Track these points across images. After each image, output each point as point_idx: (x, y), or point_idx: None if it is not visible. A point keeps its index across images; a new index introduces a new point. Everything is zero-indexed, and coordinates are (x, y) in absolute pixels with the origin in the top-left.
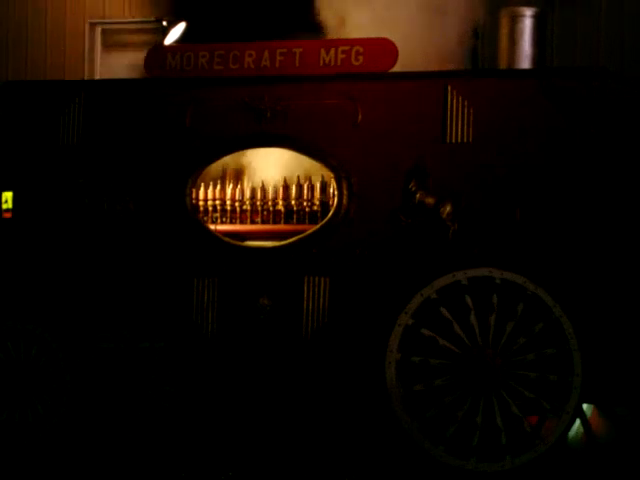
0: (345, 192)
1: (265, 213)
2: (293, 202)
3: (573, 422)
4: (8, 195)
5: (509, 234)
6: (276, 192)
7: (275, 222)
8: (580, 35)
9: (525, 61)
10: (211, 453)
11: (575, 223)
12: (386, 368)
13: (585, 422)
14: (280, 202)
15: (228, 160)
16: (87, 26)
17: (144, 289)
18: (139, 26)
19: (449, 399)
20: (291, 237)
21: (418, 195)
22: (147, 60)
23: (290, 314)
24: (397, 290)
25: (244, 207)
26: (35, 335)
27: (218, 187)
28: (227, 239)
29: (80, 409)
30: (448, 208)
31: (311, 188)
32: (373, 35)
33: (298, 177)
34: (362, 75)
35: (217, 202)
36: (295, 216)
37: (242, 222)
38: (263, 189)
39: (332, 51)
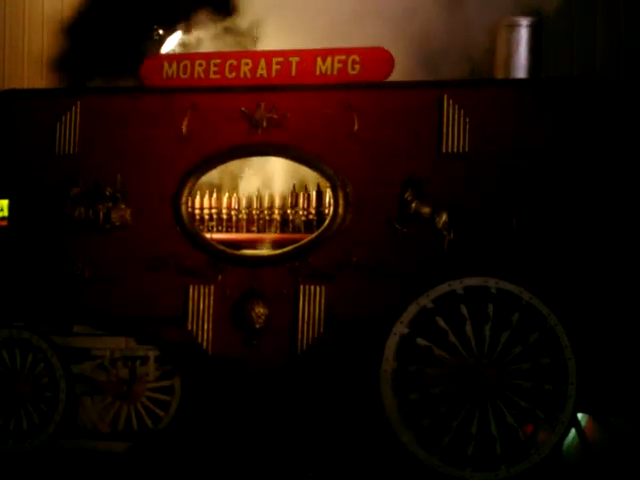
0: (341, 201)
1: (261, 222)
2: (289, 211)
3: (568, 431)
4: (3, 203)
5: (505, 243)
6: (272, 201)
7: (271, 231)
8: (576, 43)
9: (521, 71)
10: (203, 462)
11: (571, 233)
12: (381, 377)
13: (580, 431)
14: (276, 211)
15: (224, 169)
16: None
17: (139, 297)
18: None
19: (444, 408)
20: (287, 246)
21: (414, 204)
22: (144, 68)
23: (285, 323)
24: (393, 299)
25: (240, 216)
26: (30, 343)
27: (214, 196)
28: (223, 247)
29: (75, 417)
30: (444, 217)
31: (307, 197)
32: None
33: (294, 186)
34: (358, 84)
35: (213, 211)
36: (291, 225)
37: (238, 231)
38: (259, 198)
39: (328, 60)
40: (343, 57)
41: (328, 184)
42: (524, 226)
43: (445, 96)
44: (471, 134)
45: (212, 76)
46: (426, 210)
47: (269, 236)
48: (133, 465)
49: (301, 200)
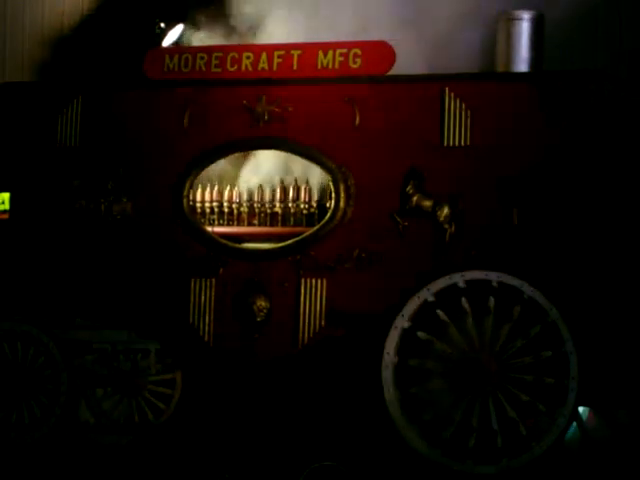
0: (342, 194)
1: (262, 215)
2: (290, 204)
3: (569, 425)
4: (5, 196)
5: (506, 237)
6: (273, 194)
7: (272, 224)
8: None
9: (523, 64)
10: (204, 455)
11: (572, 226)
12: (383, 370)
13: (581, 425)
14: (277, 204)
15: (226, 162)
16: None
17: (141, 291)
18: None
19: (445, 402)
20: (288, 239)
21: (415, 198)
22: (146, 62)
23: (287, 316)
24: (394, 292)
25: (241, 209)
26: (32, 336)
27: (215, 189)
28: (224, 241)
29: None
30: (445, 211)
31: (308, 190)
32: None
33: (295, 179)
34: (360, 78)
35: (214, 204)
36: (292, 218)
37: (239, 224)
38: (260, 191)
39: (330, 54)
40: (344, 50)
41: (330, 177)
42: (526, 219)
43: (447, 89)
44: (472, 127)
45: (214, 69)
46: (428, 203)
47: (270, 229)
48: (134, 458)
49: (303, 193)
